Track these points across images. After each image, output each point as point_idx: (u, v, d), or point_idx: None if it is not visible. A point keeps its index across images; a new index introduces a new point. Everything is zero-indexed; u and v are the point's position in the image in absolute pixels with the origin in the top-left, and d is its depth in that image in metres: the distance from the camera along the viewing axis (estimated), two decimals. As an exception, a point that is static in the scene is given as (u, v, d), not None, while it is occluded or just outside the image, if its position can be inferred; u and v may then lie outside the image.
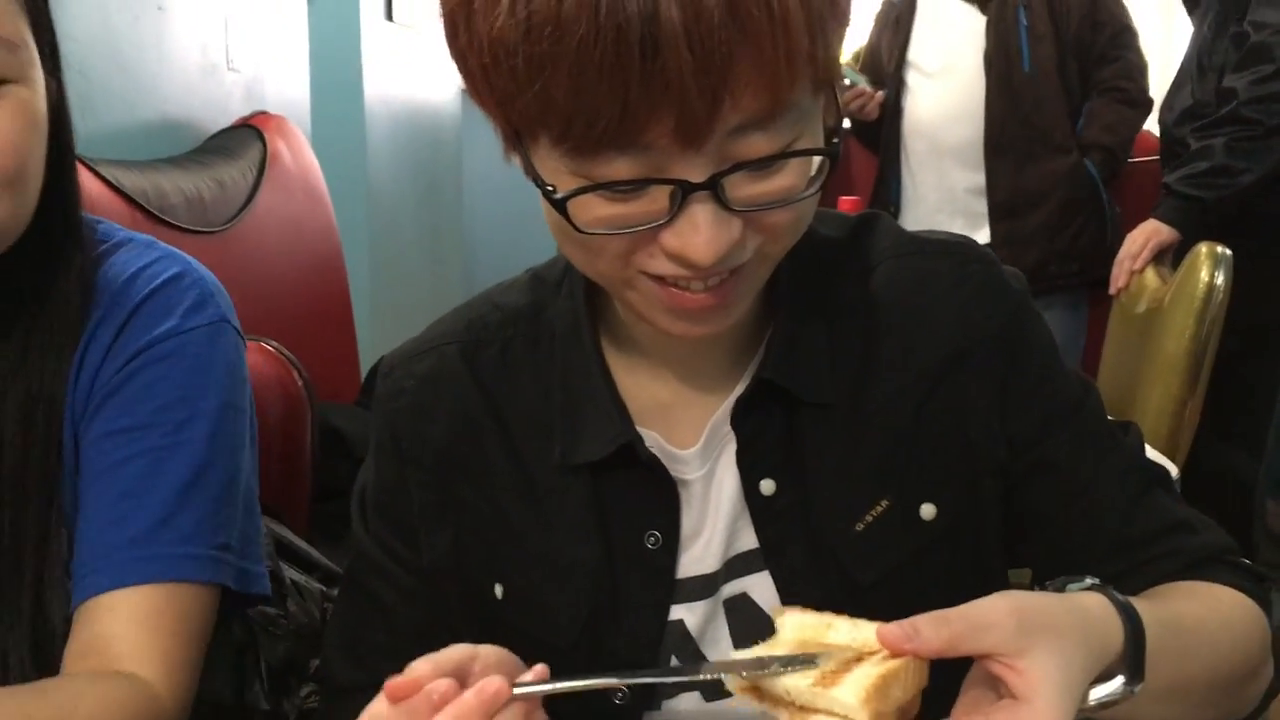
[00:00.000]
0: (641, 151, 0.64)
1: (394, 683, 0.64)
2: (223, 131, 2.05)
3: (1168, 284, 1.94)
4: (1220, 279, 1.75)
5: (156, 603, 0.86)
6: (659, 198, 0.66)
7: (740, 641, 0.80)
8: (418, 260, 3.32)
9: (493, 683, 0.63)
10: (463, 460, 0.83)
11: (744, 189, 0.67)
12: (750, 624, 0.80)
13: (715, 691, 0.81)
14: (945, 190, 2.74)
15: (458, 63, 0.70)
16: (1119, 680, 0.65)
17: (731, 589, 0.81)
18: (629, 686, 0.79)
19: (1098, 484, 0.81)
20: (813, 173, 0.69)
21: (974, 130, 2.69)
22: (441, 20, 0.70)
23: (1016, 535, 0.83)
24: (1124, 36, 2.69)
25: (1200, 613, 0.75)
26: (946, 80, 2.74)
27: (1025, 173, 2.65)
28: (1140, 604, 0.68)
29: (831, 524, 0.79)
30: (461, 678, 0.64)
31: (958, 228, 2.67)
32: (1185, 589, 0.78)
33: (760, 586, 0.80)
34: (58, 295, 0.88)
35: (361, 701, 0.84)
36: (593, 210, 0.67)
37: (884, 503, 0.79)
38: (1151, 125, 2.76)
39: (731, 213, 0.66)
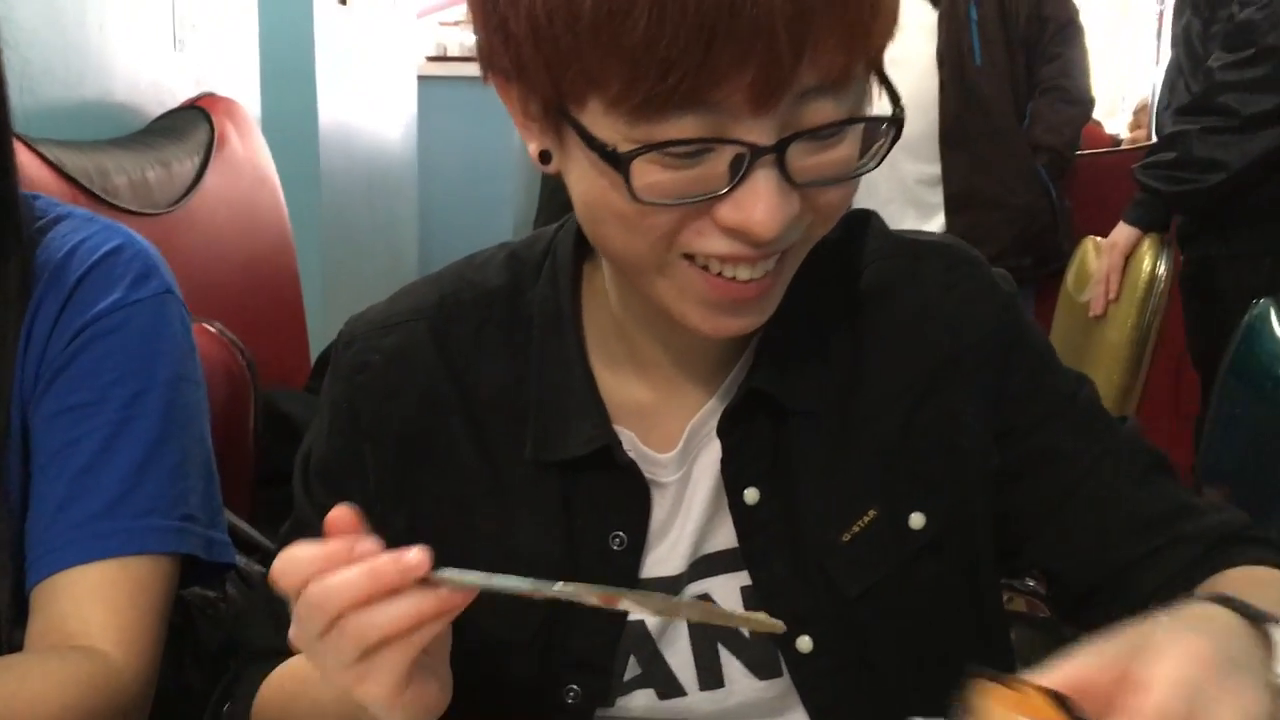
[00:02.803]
0: (709, 110, 0.61)
1: (337, 513, 0.62)
2: (169, 113, 2.02)
3: (1108, 305, 1.96)
4: (1162, 268, 1.78)
5: (113, 576, 0.85)
6: (718, 165, 0.63)
7: (698, 641, 0.80)
8: (371, 247, 3.30)
9: (416, 553, 0.60)
10: (425, 445, 0.81)
11: (805, 159, 0.64)
12: (708, 625, 0.79)
13: (671, 689, 0.80)
14: (896, 181, 2.76)
15: (492, 35, 0.66)
16: None
17: (694, 590, 0.80)
18: (545, 599, 0.78)
19: (1099, 469, 0.80)
20: (866, 149, 0.67)
21: (925, 122, 2.72)
22: None
23: (1023, 536, 0.81)
24: (1067, 31, 2.73)
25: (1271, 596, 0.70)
26: (897, 73, 2.73)
27: (981, 171, 2.68)
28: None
29: (817, 534, 0.77)
30: None
31: (909, 218, 2.70)
32: (1241, 577, 0.74)
33: (723, 588, 0.79)
34: (1, 278, 0.87)
35: (276, 664, 0.82)
36: (647, 176, 0.63)
37: (871, 512, 0.77)
38: (1097, 119, 2.79)
39: (792, 185, 0.64)
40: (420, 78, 3.88)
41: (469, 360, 0.81)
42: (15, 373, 0.87)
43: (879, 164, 0.68)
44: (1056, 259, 2.51)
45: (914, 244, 0.83)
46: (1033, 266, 2.70)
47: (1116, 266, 2.02)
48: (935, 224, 2.71)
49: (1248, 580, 0.75)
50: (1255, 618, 0.60)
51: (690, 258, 0.67)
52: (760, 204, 0.63)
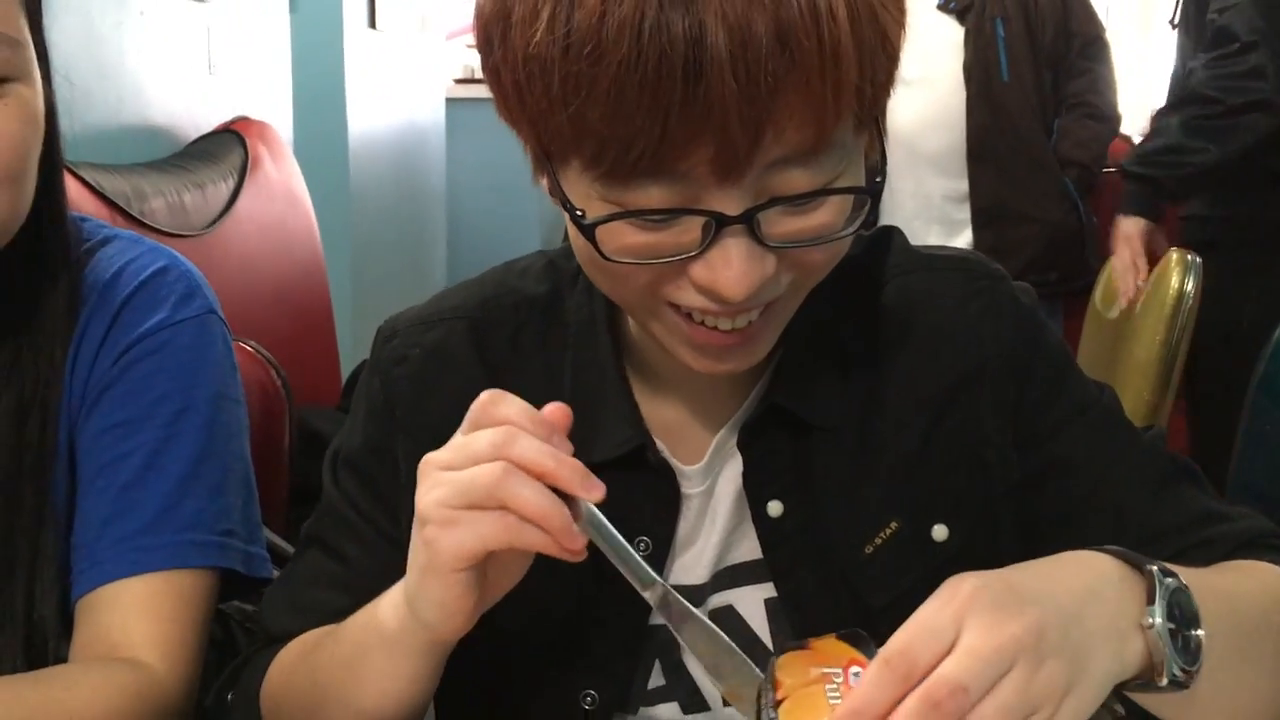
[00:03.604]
0: (677, 180, 0.62)
1: (556, 406, 0.66)
2: (204, 136, 2.05)
3: (1139, 290, 1.96)
4: (1190, 285, 1.78)
5: (156, 589, 0.86)
6: (691, 228, 0.64)
7: None
8: (400, 266, 3.33)
9: (598, 481, 0.64)
10: None
11: (780, 225, 0.65)
12: (733, 635, 0.79)
13: (695, 703, 0.80)
14: (922, 198, 2.76)
15: (489, 78, 0.68)
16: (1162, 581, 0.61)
17: (717, 600, 0.80)
18: (592, 660, 0.78)
19: (1115, 477, 0.79)
20: (851, 210, 0.67)
21: (952, 138, 2.72)
22: (474, 35, 0.68)
23: (1042, 545, 0.79)
24: (1093, 48, 2.73)
25: (1233, 577, 0.72)
26: (924, 89, 2.77)
27: (1008, 186, 2.68)
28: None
29: (841, 546, 0.78)
30: None
31: (935, 235, 2.71)
32: (1217, 566, 0.75)
33: (746, 600, 0.80)
34: (48, 297, 0.89)
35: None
36: (621, 238, 0.65)
37: (893, 525, 0.78)
38: (1125, 134, 2.79)
39: (766, 248, 0.65)
40: (448, 99, 3.92)
41: (506, 364, 0.83)
42: (64, 390, 0.89)
43: (857, 229, 0.68)
44: (1084, 275, 2.50)
45: (934, 259, 0.84)
46: (1060, 282, 2.70)
47: (1139, 252, 2.06)
48: (960, 241, 2.71)
49: (1227, 568, 0.75)
50: (1133, 561, 0.63)
51: (675, 306, 0.69)
52: (730, 269, 0.64)
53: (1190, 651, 0.61)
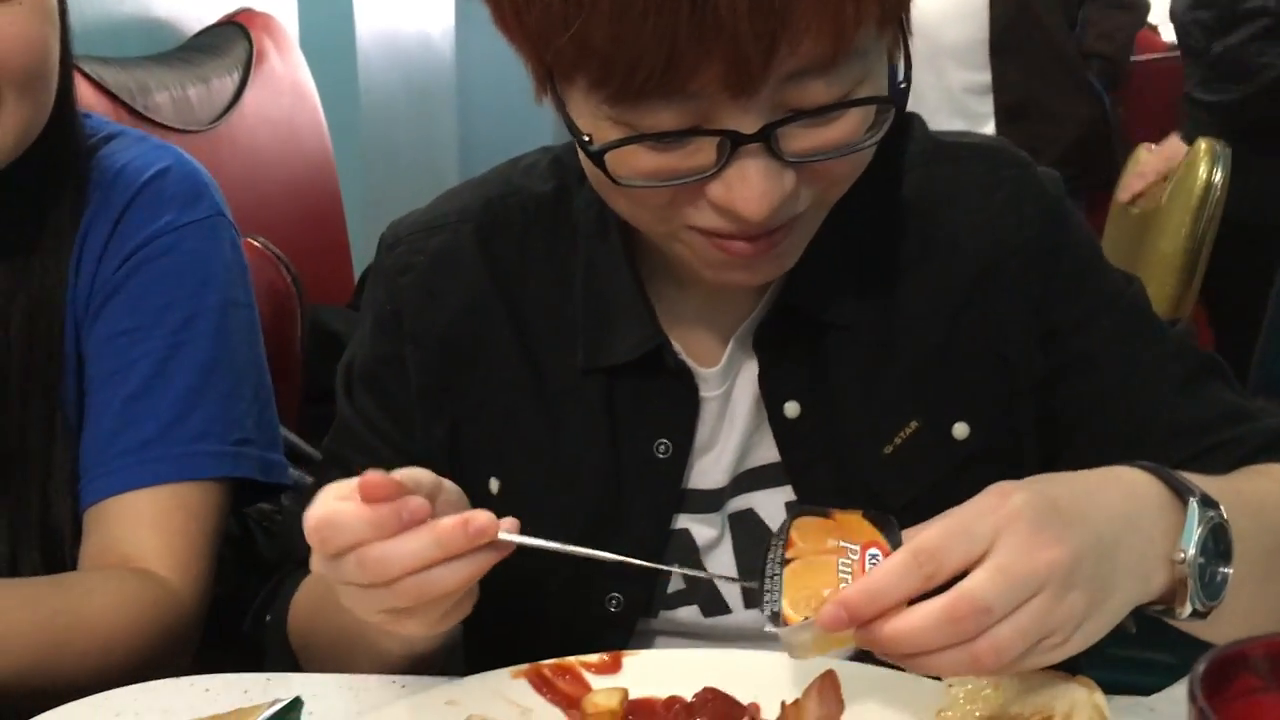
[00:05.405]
0: (688, 100, 0.60)
1: (371, 479, 0.60)
2: (207, 29, 2.01)
3: (1166, 182, 1.92)
4: (1218, 177, 1.74)
5: (165, 502, 0.87)
6: (706, 148, 0.62)
7: (742, 556, 0.80)
8: (412, 161, 3.28)
9: (481, 516, 0.60)
10: (469, 349, 0.81)
11: (799, 139, 0.63)
12: (753, 538, 0.79)
13: (715, 605, 0.80)
14: (943, 90, 2.70)
15: None
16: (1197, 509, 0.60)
17: (737, 504, 0.80)
18: (613, 565, 0.78)
19: (1142, 373, 0.78)
20: (874, 118, 0.65)
21: (974, 29, 2.65)
22: None
23: (1062, 442, 0.79)
24: None
25: (1267, 485, 0.71)
26: (947, -22, 2.69)
27: (1033, 81, 2.61)
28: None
29: (859, 447, 0.77)
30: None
31: (956, 127, 2.65)
32: (1246, 472, 0.74)
33: (766, 503, 0.80)
34: (57, 198, 0.88)
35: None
36: (633, 161, 0.63)
37: (913, 424, 0.77)
38: (1152, 23, 2.72)
39: (784, 164, 0.63)
40: (459, -8, 3.83)
41: (514, 265, 0.81)
42: (68, 293, 0.88)
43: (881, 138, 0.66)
44: (1109, 169, 2.46)
45: (957, 147, 0.81)
46: (1084, 176, 2.65)
47: (1148, 173, 2.06)
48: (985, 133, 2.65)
49: (1257, 473, 0.74)
50: (1176, 488, 0.62)
51: (694, 226, 0.67)
52: (748, 188, 0.62)
53: (1215, 585, 0.61)
